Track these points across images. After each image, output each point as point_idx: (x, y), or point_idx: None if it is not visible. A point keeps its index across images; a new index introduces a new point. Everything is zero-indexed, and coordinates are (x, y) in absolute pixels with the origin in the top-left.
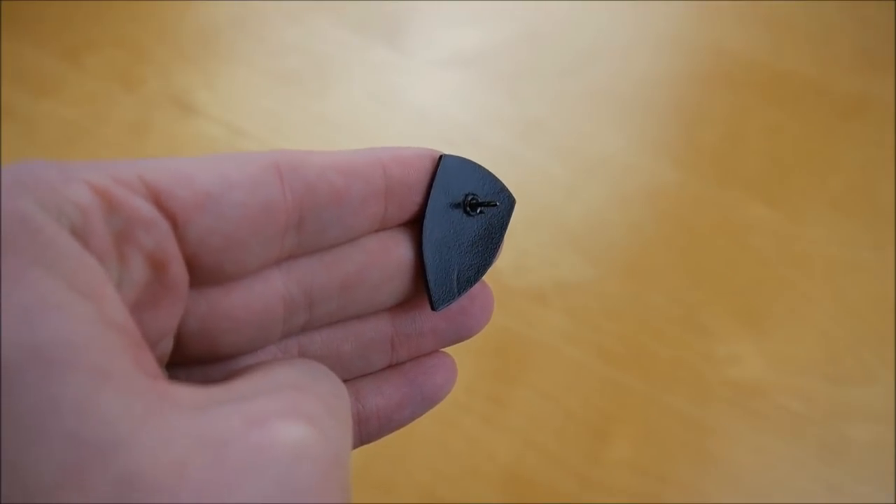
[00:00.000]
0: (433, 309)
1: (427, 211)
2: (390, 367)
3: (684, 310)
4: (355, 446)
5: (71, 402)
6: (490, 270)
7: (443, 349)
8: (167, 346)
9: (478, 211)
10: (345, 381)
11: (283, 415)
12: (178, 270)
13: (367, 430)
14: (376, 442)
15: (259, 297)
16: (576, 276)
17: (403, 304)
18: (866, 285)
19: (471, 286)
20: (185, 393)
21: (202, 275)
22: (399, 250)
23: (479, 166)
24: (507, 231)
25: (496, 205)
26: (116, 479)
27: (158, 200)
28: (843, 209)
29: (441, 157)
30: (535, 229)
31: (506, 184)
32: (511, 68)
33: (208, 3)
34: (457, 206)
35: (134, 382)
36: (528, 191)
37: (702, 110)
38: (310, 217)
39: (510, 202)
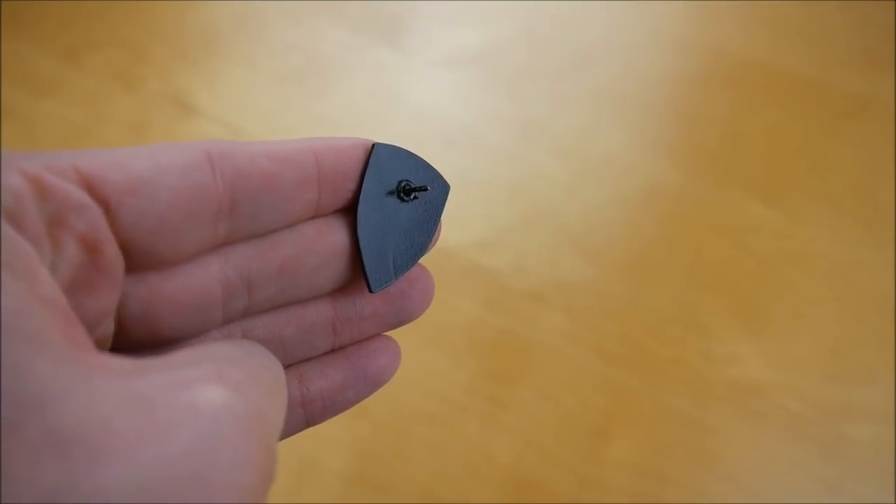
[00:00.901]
0: (370, 290)
1: (361, 197)
2: (333, 350)
3: (684, 310)
4: (301, 428)
5: (8, 364)
6: (489, 269)
7: (386, 333)
8: (108, 327)
9: (411, 197)
10: (289, 364)
11: (207, 380)
12: (112, 253)
13: (311, 412)
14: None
15: (197, 281)
16: (576, 276)
17: (343, 289)
18: (866, 285)
19: (407, 269)
20: (116, 362)
21: (139, 258)
22: (335, 235)
23: (413, 154)
24: (509, 232)
25: (427, 189)
26: (47, 432)
27: (90, 186)
28: (843, 209)
29: (374, 145)
30: (534, 229)
31: (505, 182)
32: (511, 68)
33: (208, 3)
34: (391, 192)
35: (65, 351)
36: (528, 191)
37: (702, 110)
38: (242, 202)
39: (444, 188)
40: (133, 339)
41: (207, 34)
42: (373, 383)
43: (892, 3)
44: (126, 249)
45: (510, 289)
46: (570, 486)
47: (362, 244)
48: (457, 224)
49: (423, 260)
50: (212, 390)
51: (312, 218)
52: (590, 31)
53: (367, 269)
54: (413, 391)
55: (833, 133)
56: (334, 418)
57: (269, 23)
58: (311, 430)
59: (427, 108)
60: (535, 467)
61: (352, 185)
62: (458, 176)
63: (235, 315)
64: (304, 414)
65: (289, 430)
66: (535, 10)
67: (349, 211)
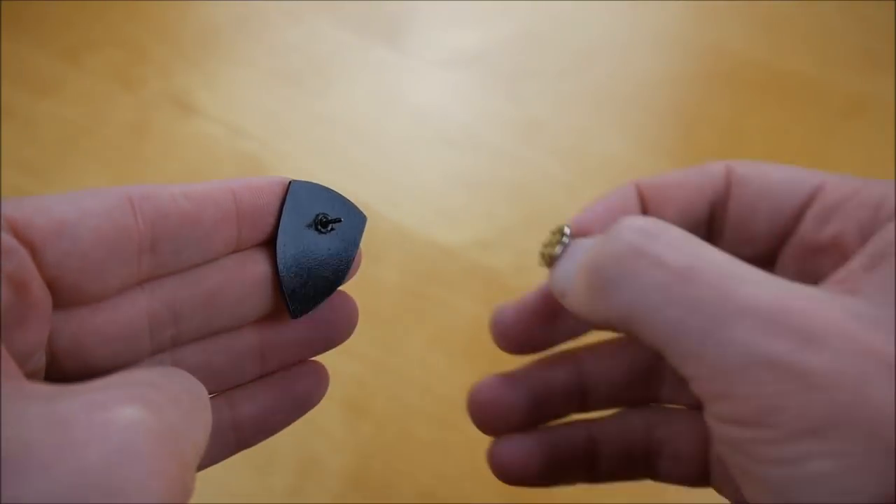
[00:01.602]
0: (292, 317)
1: (279, 231)
2: (262, 376)
3: None
4: (233, 451)
5: None
6: (489, 269)
7: (313, 357)
8: (40, 360)
9: (328, 228)
10: (220, 391)
11: (123, 400)
12: (40, 291)
13: (242, 435)
14: (375, 443)
15: (124, 313)
16: None
17: (269, 318)
18: None
19: (327, 295)
20: (39, 388)
21: (66, 295)
22: (256, 267)
23: (328, 189)
24: (509, 232)
25: (341, 220)
26: None
27: (16, 230)
28: None
29: (290, 182)
30: (535, 229)
31: (505, 182)
32: (511, 68)
33: (208, 3)
34: (309, 225)
35: None
36: (528, 191)
37: (702, 110)
38: (164, 239)
39: (361, 219)
40: (65, 371)
41: (207, 34)
42: (301, 407)
43: (892, 3)
44: (53, 287)
45: (510, 289)
46: (571, 486)
47: (282, 274)
48: (457, 224)
49: (421, 267)
50: (126, 409)
51: (235, 252)
52: (590, 31)
53: (288, 297)
54: (413, 391)
55: (833, 133)
56: (334, 418)
57: (270, 23)
58: (310, 429)
59: (427, 108)
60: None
61: (270, 220)
62: (458, 176)
63: (164, 345)
64: (235, 437)
65: (221, 453)
66: (535, 11)
67: (269, 244)
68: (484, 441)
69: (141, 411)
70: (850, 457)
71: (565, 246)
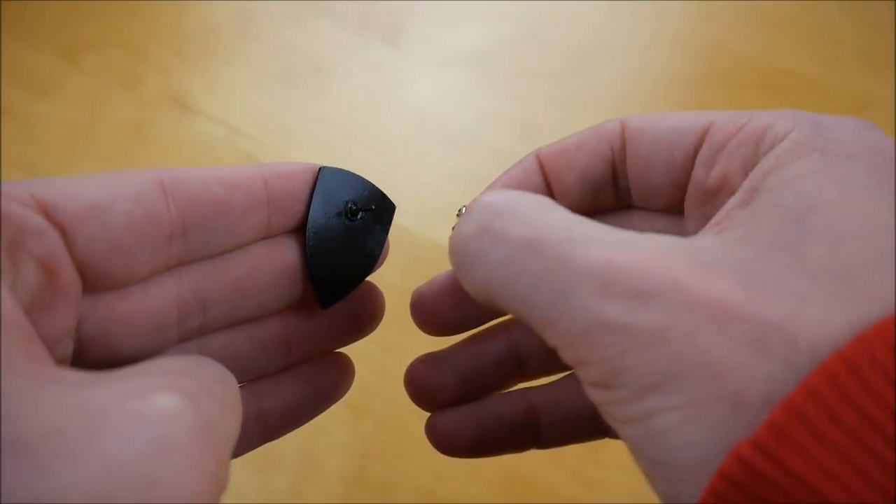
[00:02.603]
0: (321, 307)
1: (309, 218)
2: (288, 368)
3: None
4: (256, 444)
5: None
6: None
7: (339, 349)
8: (68, 347)
9: (358, 216)
10: (245, 381)
11: (159, 388)
12: (70, 275)
13: (266, 428)
14: (375, 443)
15: (153, 300)
16: None
17: (296, 307)
18: None
19: (356, 285)
20: (72, 374)
21: (95, 280)
22: (285, 255)
23: (358, 176)
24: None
25: (373, 208)
26: (9, 440)
27: (47, 212)
28: None
29: (320, 168)
30: None
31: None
32: (511, 68)
33: (207, 3)
34: (339, 213)
35: (24, 366)
36: None
37: (702, 110)
38: (195, 225)
39: (390, 207)
40: (92, 358)
41: (207, 34)
42: (327, 398)
43: (893, 3)
44: (82, 271)
45: None
46: (570, 486)
47: (311, 263)
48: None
49: (421, 267)
50: (163, 398)
51: (264, 239)
52: (590, 31)
53: (317, 286)
54: None
55: None
56: (334, 418)
57: (269, 22)
58: (311, 430)
59: (427, 108)
60: (535, 467)
61: (300, 208)
62: (458, 176)
63: (191, 333)
64: (259, 430)
65: (245, 447)
66: (535, 11)
67: (299, 232)
68: None
69: (178, 401)
70: (689, 409)
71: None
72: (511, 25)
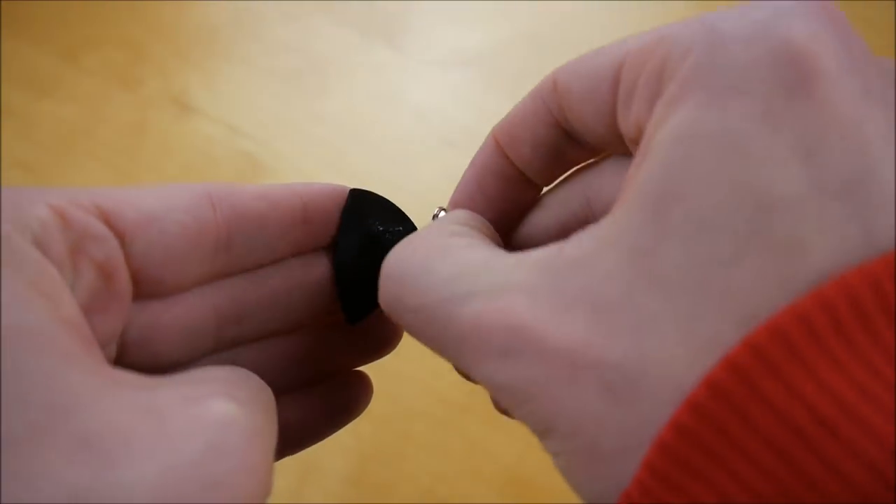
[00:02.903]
0: (350, 323)
1: (340, 237)
2: (311, 382)
3: None
4: (275, 459)
5: (41, 373)
6: None
7: (360, 368)
8: (112, 351)
9: (385, 236)
10: None
11: (216, 395)
12: (124, 280)
13: (286, 442)
14: (376, 443)
15: (194, 310)
16: None
17: (321, 324)
18: None
19: None
20: (131, 377)
21: (145, 286)
22: (317, 271)
23: (384, 198)
24: None
25: (400, 229)
26: (75, 437)
27: (108, 219)
28: None
29: (351, 190)
30: None
31: None
32: (511, 68)
33: (207, 2)
34: (367, 233)
35: (86, 364)
36: None
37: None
38: (238, 238)
39: (413, 228)
40: (130, 364)
41: (206, 34)
42: (345, 416)
43: (893, 3)
44: (135, 277)
45: None
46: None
47: (340, 279)
48: None
49: None
50: (219, 404)
51: (297, 255)
52: (590, 31)
53: (346, 302)
54: (413, 391)
55: None
56: None
57: (269, 22)
58: None
59: (427, 108)
60: (535, 467)
61: (332, 226)
62: (457, 176)
63: (225, 344)
64: (279, 444)
65: None
66: (535, 11)
67: (329, 249)
68: (484, 441)
69: (233, 408)
70: (568, 457)
71: None
72: (511, 25)
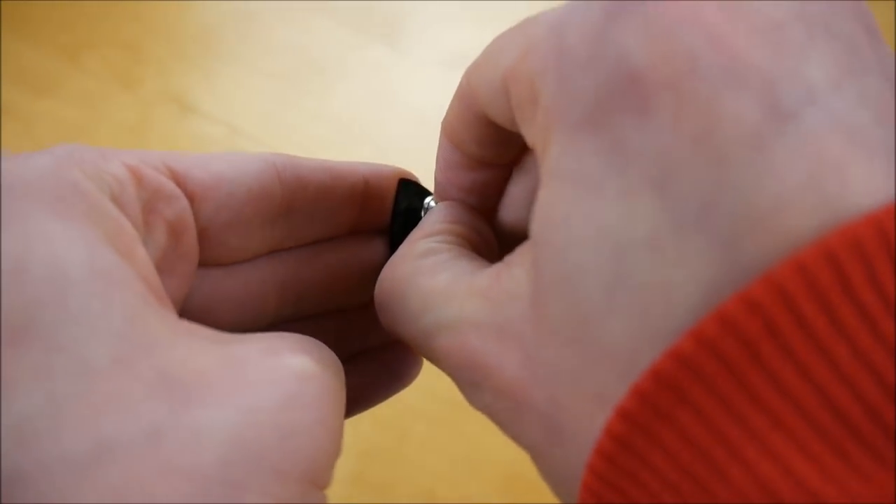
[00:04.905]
0: None
1: (393, 220)
2: (363, 351)
3: None
4: None
5: (122, 310)
6: None
7: None
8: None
9: None
10: None
11: (292, 350)
12: (192, 241)
13: None
14: (376, 442)
15: (254, 282)
16: None
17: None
18: None
19: None
20: (206, 330)
21: (209, 250)
22: (373, 250)
23: (427, 190)
24: None
25: None
26: (155, 372)
27: (179, 180)
28: None
29: (400, 179)
30: None
31: None
32: None
33: (207, 3)
34: (417, 219)
35: (166, 313)
36: None
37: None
38: (299, 208)
39: None
40: None
41: (206, 34)
42: (398, 383)
43: (892, 3)
44: (200, 240)
45: None
46: None
47: None
48: None
49: None
50: (297, 358)
51: (353, 234)
52: None
53: None
54: (413, 391)
55: None
56: None
57: (268, 23)
58: None
59: (426, 108)
60: (536, 467)
61: (387, 208)
62: None
63: (281, 319)
64: None
65: None
66: (535, 11)
67: (383, 231)
68: (483, 441)
69: (310, 363)
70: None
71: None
72: (510, 25)
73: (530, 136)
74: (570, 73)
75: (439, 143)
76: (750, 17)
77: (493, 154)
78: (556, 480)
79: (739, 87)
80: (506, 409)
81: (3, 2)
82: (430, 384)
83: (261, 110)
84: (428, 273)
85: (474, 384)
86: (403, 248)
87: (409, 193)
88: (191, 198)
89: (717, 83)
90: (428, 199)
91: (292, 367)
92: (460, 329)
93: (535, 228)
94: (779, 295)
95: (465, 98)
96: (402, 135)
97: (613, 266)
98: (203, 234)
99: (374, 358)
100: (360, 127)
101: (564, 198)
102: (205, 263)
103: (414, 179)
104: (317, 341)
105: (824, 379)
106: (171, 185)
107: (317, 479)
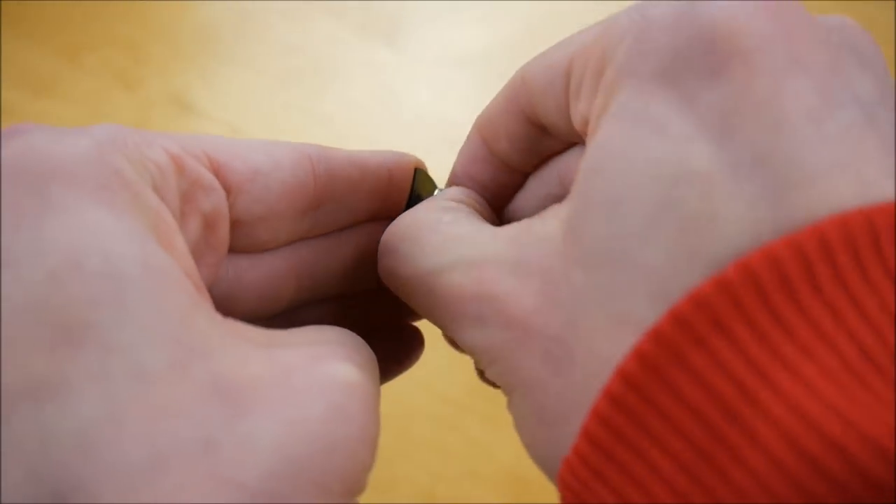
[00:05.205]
0: None
1: (408, 205)
2: (367, 332)
3: None
4: None
5: (177, 311)
6: None
7: (413, 322)
8: None
9: None
10: None
11: (338, 358)
12: (224, 233)
13: None
14: None
15: (277, 270)
16: None
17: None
18: None
19: None
20: (252, 331)
21: (238, 241)
22: None
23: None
24: None
25: None
26: (210, 377)
27: (218, 171)
28: None
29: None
30: None
31: None
32: (511, 68)
33: (207, 2)
34: None
35: (211, 313)
36: None
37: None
38: (328, 200)
39: None
40: None
41: (206, 34)
42: (398, 367)
43: (892, 3)
44: (233, 230)
45: None
46: None
47: None
48: None
49: None
50: (343, 367)
51: (371, 221)
52: None
53: None
54: (413, 391)
55: None
56: None
57: (269, 23)
58: None
59: (427, 108)
60: (535, 467)
61: (405, 196)
62: None
63: (295, 304)
64: None
65: None
66: (535, 10)
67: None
68: (483, 441)
69: (354, 372)
70: (521, 419)
71: None
72: (511, 25)
73: (582, 110)
74: (650, 34)
75: (468, 137)
76: (815, 31)
77: (520, 156)
78: (549, 418)
79: (802, 75)
80: (510, 339)
81: (3, 2)
82: (430, 384)
83: (260, 110)
84: (451, 221)
85: (479, 317)
86: (425, 202)
87: (423, 181)
88: (227, 189)
89: (784, 66)
90: (440, 189)
91: (337, 376)
92: (478, 265)
93: (588, 160)
94: (821, 245)
95: (513, 91)
96: (402, 135)
97: (664, 193)
98: (234, 225)
99: (378, 339)
100: (360, 127)
101: (625, 132)
102: (230, 252)
103: (425, 169)
104: (355, 336)
105: (853, 322)
106: (209, 177)
107: (354, 490)
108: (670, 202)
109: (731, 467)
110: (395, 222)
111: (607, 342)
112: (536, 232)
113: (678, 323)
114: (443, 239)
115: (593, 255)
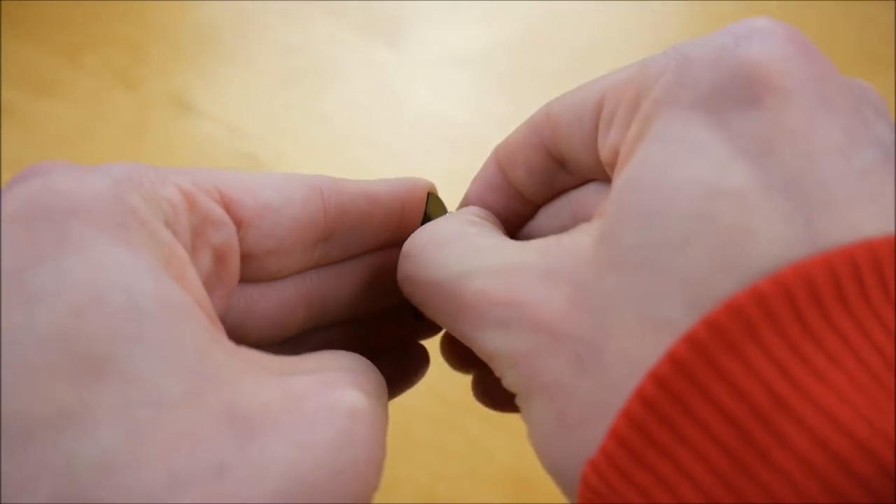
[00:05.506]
0: (415, 319)
1: None
2: (375, 351)
3: None
4: None
5: (192, 343)
6: None
7: (420, 341)
8: None
9: None
10: None
11: (347, 384)
12: (235, 266)
13: None
14: None
15: (286, 299)
16: None
17: (392, 309)
18: None
19: None
20: (266, 359)
21: (248, 273)
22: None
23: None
24: None
25: None
26: (224, 406)
27: (228, 205)
28: None
29: (428, 193)
30: None
31: None
32: (511, 68)
33: (207, 2)
34: None
35: (226, 343)
36: None
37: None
38: (338, 233)
39: None
40: None
41: (206, 34)
42: (407, 382)
43: (893, 3)
44: (243, 263)
45: None
46: None
47: None
48: None
49: None
50: (351, 393)
51: (381, 249)
52: (590, 31)
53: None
54: (413, 391)
55: None
56: None
57: (269, 23)
58: None
59: (427, 108)
60: (535, 467)
61: (417, 223)
62: (458, 176)
63: (304, 331)
64: None
65: None
66: (535, 10)
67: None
68: (484, 441)
69: (362, 398)
70: (539, 425)
71: None
72: (511, 25)
73: (612, 141)
74: (690, 70)
75: (485, 165)
76: (841, 78)
77: (535, 188)
78: (571, 421)
79: (832, 114)
80: (536, 343)
81: (3, 2)
82: (430, 384)
83: (261, 110)
84: (477, 233)
85: (503, 322)
86: (449, 215)
87: (434, 205)
88: (238, 223)
89: (816, 104)
90: (451, 212)
91: (347, 402)
92: (505, 271)
93: (623, 179)
94: (851, 266)
95: (537, 124)
96: (402, 135)
97: (701, 206)
98: (245, 258)
99: (386, 358)
100: (359, 127)
101: (663, 152)
102: (242, 281)
103: (437, 192)
104: (365, 362)
105: (878, 336)
106: (220, 212)
107: None
108: (707, 215)
109: (761, 468)
110: (418, 231)
111: (639, 345)
112: (565, 244)
113: (713, 329)
114: (469, 247)
115: (627, 261)
